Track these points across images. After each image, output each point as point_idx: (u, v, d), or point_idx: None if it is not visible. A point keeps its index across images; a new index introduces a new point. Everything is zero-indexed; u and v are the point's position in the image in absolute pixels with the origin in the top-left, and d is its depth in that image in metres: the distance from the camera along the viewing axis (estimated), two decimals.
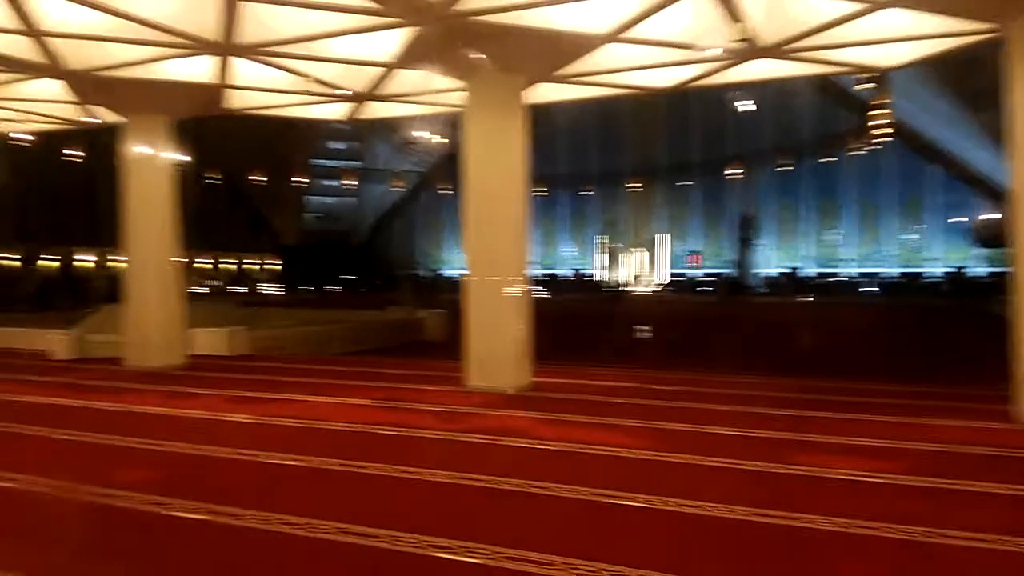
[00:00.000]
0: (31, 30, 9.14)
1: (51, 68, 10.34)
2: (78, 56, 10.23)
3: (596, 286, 44.10)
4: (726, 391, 9.45)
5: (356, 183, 48.79)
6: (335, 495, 5.28)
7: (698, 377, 10.77)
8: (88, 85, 11.08)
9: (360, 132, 45.76)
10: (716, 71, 10.45)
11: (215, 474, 5.92)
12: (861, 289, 40.25)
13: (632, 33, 8.97)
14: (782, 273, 44.45)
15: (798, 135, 43.91)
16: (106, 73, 10.60)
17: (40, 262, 33.77)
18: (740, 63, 10.02)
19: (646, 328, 19.76)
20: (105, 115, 12.85)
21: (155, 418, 8.04)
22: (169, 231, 12.13)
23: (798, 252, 46.28)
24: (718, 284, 41.48)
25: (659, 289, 43.99)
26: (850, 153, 41.76)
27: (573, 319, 24.24)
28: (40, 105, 12.84)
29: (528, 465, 5.99)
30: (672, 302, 35.15)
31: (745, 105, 32.08)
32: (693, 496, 5.02)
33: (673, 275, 45.74)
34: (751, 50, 9.38)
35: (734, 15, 8.52)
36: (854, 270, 44.39)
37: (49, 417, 8.01)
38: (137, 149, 11.86)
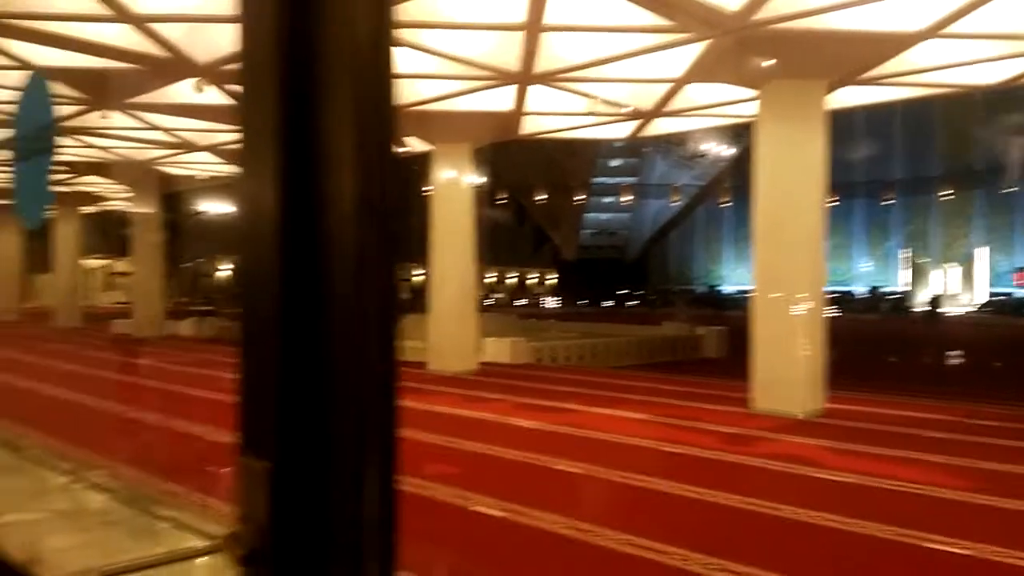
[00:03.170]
0: None
1: None
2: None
3: (898, 305, 39.63)
4: None
5: (632, 198, 49.24)
6: (621, 506, 5.36)
7: None
8: (401, 119, 12.49)
9: (637, 148, 46.17)
10: None
11: (508, 474, 6.33)
12: None
13: (953, 28, 8.00)
14: None
15: None
16: (420, 107, 11.85)
17: None
18: None
19: (961, 354, 17.45)
20: (415, 144, 14.37)
21: (454, 419, 8.80)
22: (468, 247, 13.19)
23: None
24: None
25: (976, 310, 38.46)
26: None
27: (872, 341, 22.16)
28: None
29: (823, 497, 5.60)
30: (992, 326, 30.56)
31: None
32: None
33: (993, 294, 39.75)
34: None
35: None
36: None
37: None
38: (443, 174, 13.12)
